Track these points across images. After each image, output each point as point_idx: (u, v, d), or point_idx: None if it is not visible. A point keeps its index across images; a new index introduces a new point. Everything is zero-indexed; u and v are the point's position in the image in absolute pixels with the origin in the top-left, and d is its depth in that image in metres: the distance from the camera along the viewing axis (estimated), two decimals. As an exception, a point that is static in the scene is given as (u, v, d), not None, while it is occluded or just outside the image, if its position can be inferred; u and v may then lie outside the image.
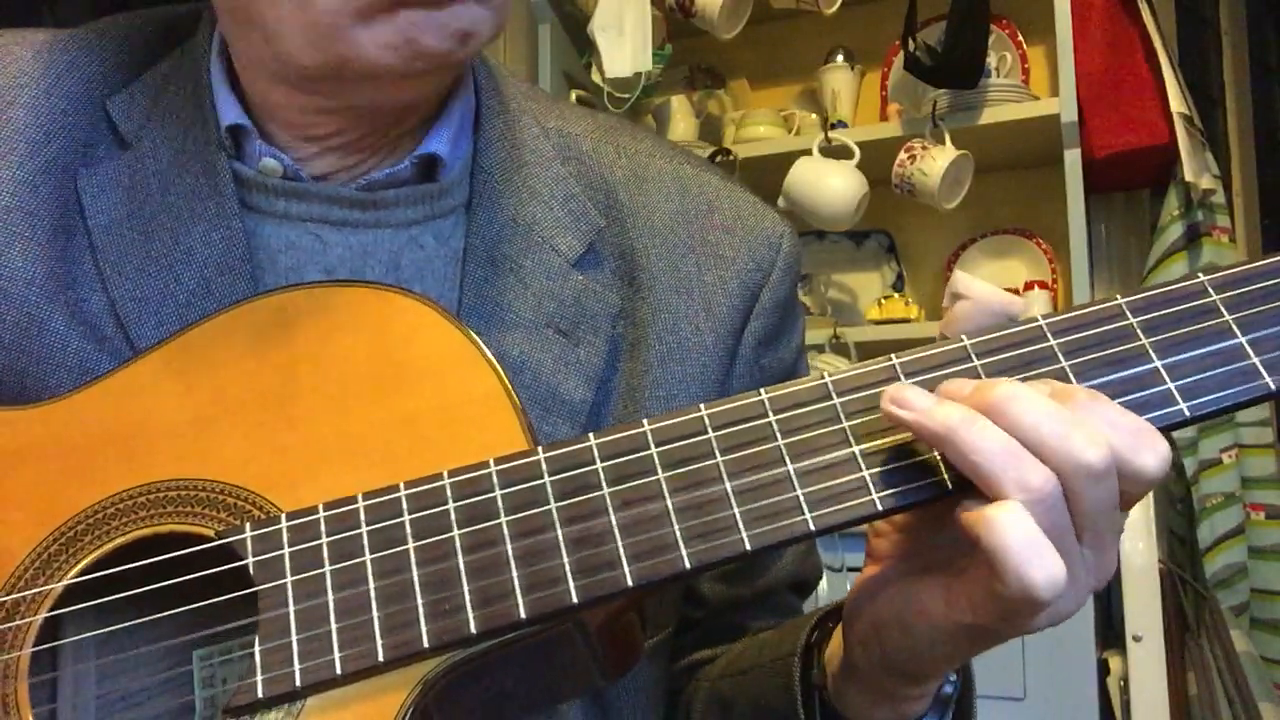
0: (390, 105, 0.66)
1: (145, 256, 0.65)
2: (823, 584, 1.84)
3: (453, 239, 0.70)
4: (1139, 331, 0.51)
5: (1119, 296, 0.52)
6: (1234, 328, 0.51)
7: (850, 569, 1.90)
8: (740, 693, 0.71)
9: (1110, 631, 1.98)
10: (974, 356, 0.51)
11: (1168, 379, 0.50)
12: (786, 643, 0.67)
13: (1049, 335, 0.51)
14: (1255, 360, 0.50)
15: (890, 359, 0.52)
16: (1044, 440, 0.46)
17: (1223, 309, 0.51)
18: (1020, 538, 0.45)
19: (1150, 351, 0.51)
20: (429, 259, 0.69)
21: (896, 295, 2.47)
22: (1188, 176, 2.07)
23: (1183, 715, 1.87)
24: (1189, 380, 0.50)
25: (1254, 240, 2.41)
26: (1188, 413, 0.49)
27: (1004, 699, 1.89)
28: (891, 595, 0.54)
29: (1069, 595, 0.48)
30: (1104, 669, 1.89)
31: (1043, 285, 2.28)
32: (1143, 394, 0.50)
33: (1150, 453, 0.47)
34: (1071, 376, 0.50)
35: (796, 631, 0.67)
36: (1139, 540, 1.88)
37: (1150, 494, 1.90)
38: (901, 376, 0.51)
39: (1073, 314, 0.52)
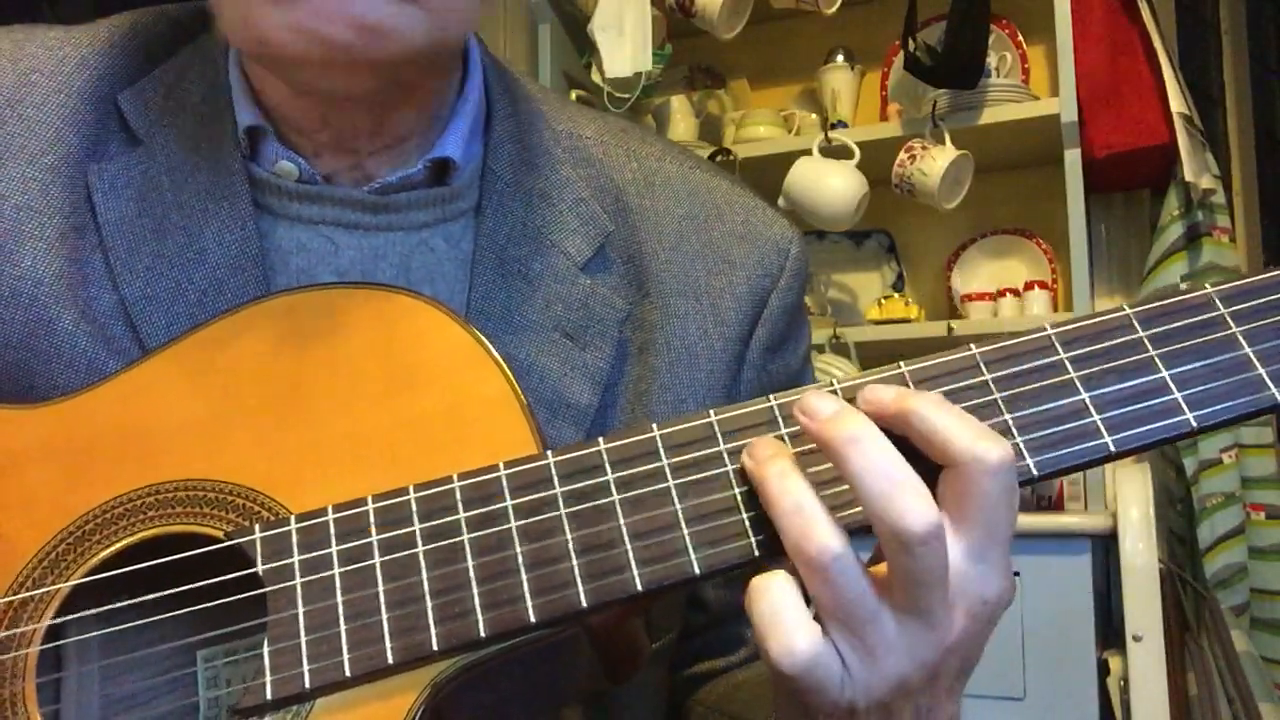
0: (341, 95, 0.64)
1: (157, 255, 0.65)
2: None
3: (463, 242, 0.70)
4: (1147, 342, 0.51)
5: (1127, 307, 0.52)
6: (1241, 340, 0.51)
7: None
8: None
9: (1110, 631, 1.99)
10: (983, 367, 0.51)
11: (1175, 390, 0.50)
12: (764, 709, 0.67)
13: (1057, 345, 0.52)
14: (1262, 372, 0.50)
15: (899, 366, 0.52)
16: (865, 494, 0.45)
17: (1230, 321, 0.51)
18: (764, 608, 0.46)
19: (1158, 362, 0.51)
20: (439, 262, 0.69)
21: (896, 295, 2.47)
22: (1188, 176, 2.08)
23: (1183, 715, 1.88)
24: (1196, 391, 0.50)
25: (1254, 240, 2.41)
26: (1195, 424, 0.49)
27: (1004, 699, 1.89)
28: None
29: (876, 665, 0.47)
30: (1104, 669, 1.89)
31: (1043, 285, 2.29)
32: (1150, 405, 0.50)
33: (989, 448, 0.46)
34: (1080, 386, 0.50)
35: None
36: (1139, 540, 1.88)
37: (1150, 494, 1.91)
38: (910, 384, 0.51)
39: (1081, 324, 0.52)
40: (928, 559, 0.45)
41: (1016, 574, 0.50)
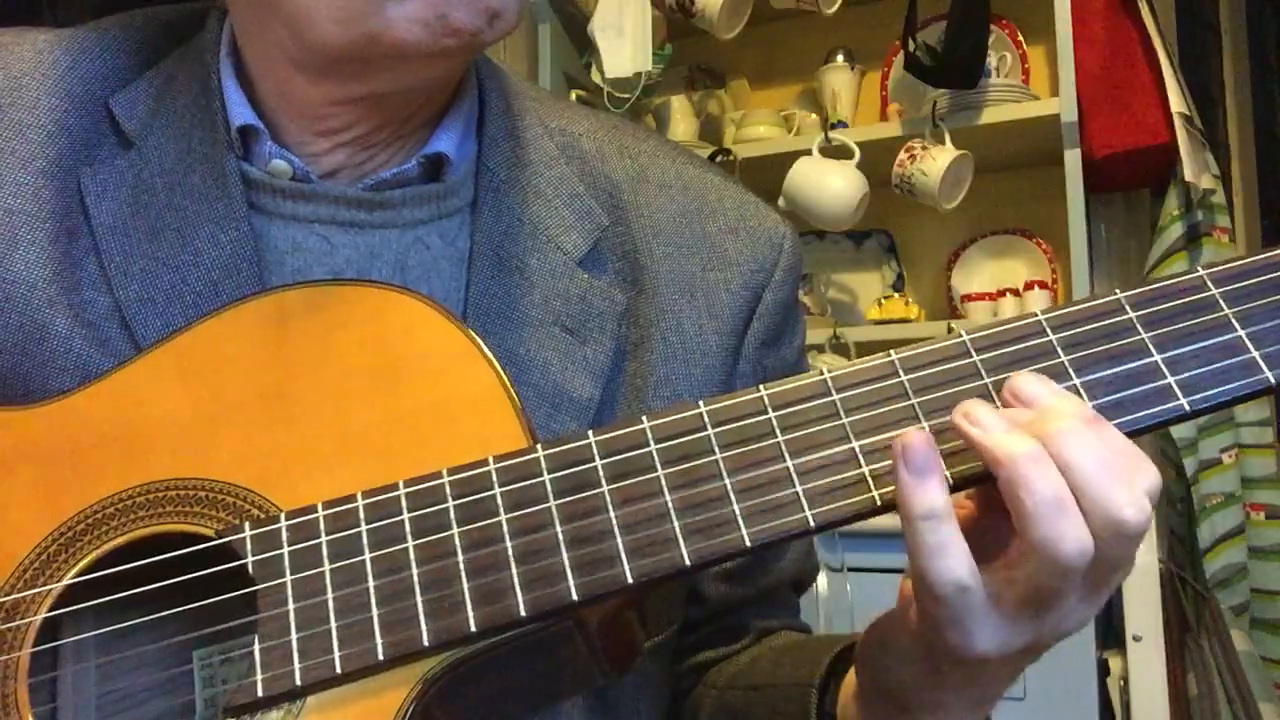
0: (410, 90, 0.66)
1: (151, 258, 0.64)
2: (823, 583, 1.84)
3: (458, 239, 0.70)
4: (1138, 326, 0.51)
5: (1118, 291, 0.52)
6: (1233, 321, 0.50)
7: (850, 569, 1.90)
8: (751, 708, 0.71)
9: (1110, 631, 1.98)
10: (973, 351, 0.51)
11: (1168, 374, 0.50)
12: (804, 670, 0.67)
13: (1048, 330, 0.51)
14: (1255, 354, 0.49)
15: (889, 354, 0.52)
16: (1087, 486, 0.46)
17: (1222, 303, 0.51)
18: (930, 540, 0.47)
19: (1150, 346, 0.50)
20: (435, 259, 0.69)
21: (896, 295, 2.48)
22: (1188, 176, 2.07)
23: (1183, 715, 1.87)
24: (1189, 375, 0.49)
25: (1254, 240, 2.41)
26: (1188, 407, 0.49)
27: (1004, 699, 1.89)
28: (888, 616, 0.55)
29: (1042, 634, 0.50)
30: (1104, 669, 1.88)
31: (1043, 285, 2.28)
32: (1142, 389, 0.49)
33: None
34: (1070, 371, 0.50)
35: (815, 659, 0.67)
36: (1139, 540, 1.88)
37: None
38: (900, 372, 0.51)
39: (1072, 308, 0.52)
40: (1135, 545, 0.47)
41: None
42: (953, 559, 0.47)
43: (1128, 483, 0.46)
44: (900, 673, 0.55)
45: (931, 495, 0.47)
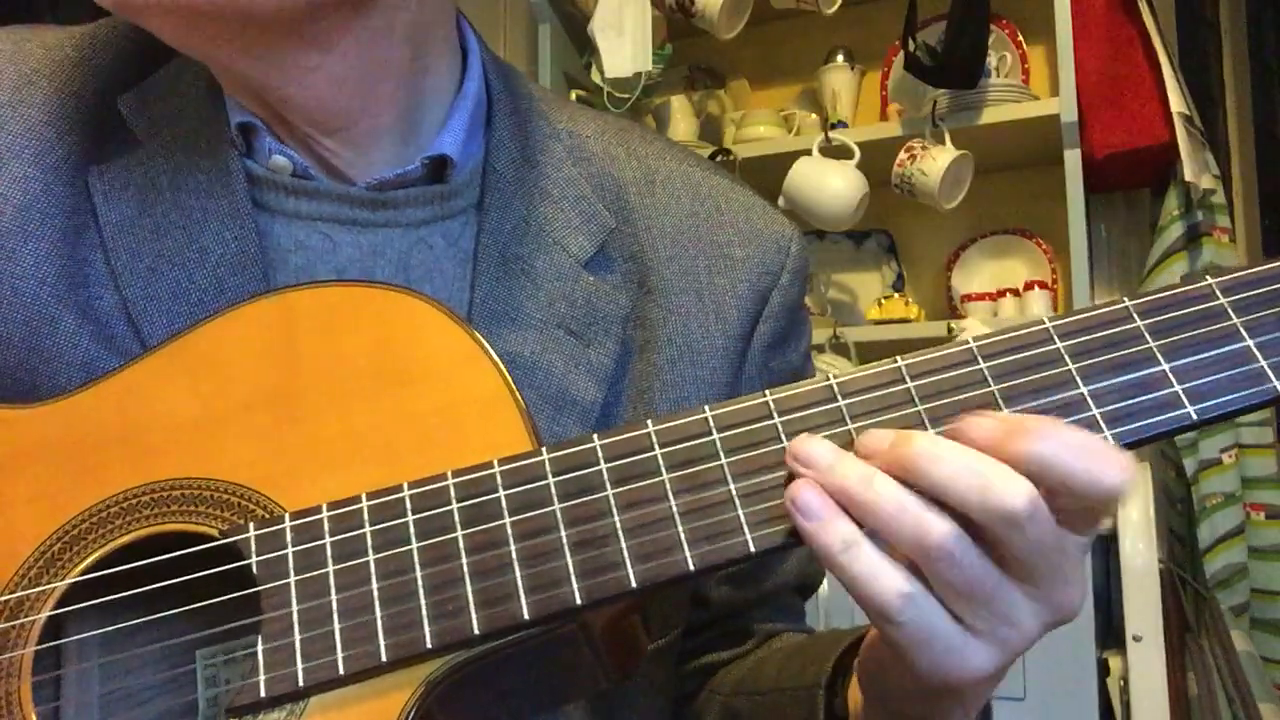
0: (211, 60, 0.64)
1: (157, 255, 0.65)
2: (823, 584, 1.84)
3: (462, 239, 0.70)
4: (1146, 334, 0.51)
5: (1126, 299, 0.52)
6: (1242, 331, 0.50)
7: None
8: (758, 714, 0.71)
9: (1110, 631, 1.99)
10: (979, 359, 0.51)
11: (1175, 382, 0.49)
12: (810, 671, 0.67)
13: (1055, 338, 0.51)
14: (1264, 364, 0.49)
15: (896, 361, 0.52)
16: (961, 495, 0.45)
17: (1231, 312, 0.51)
18: (858, 570, 0.47)
19: (1158, 354, 0.50)
20: (438, 259, 0.69)
21: (896, 295, 2.47)
22: (1188, 176, 2.07)
23: (1183, 715, 1.88)
24: (1196, 384, 0.49)
25: (1254, 240, 2.41)
26: (1195, 416, 0.49)
27: (1004, 699, 1.89)
28: (877, 656, 0.56)
29: (1009, 635, 0.48)
30: (1104, 669, 1.89)
31: (1043, 285, 2.29)
32: (1150, 397, 0.49)
33: (1107, 468, 0.45)
34: (1078, 379, 0.50)
35: (821, 659, 0.67)
36: (1139, 540, 1.88)
37: (1150, 494, 1.91)
38: (907, 378, 0.51)
39: (1079, 316, 0.52)
40: (1041, 525, 0.46)
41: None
42: (886, 576, 0.47)
43: (997, 471, 0.45)
44: (894, 686, 0.55)
45: (837, 529, 0.47)
